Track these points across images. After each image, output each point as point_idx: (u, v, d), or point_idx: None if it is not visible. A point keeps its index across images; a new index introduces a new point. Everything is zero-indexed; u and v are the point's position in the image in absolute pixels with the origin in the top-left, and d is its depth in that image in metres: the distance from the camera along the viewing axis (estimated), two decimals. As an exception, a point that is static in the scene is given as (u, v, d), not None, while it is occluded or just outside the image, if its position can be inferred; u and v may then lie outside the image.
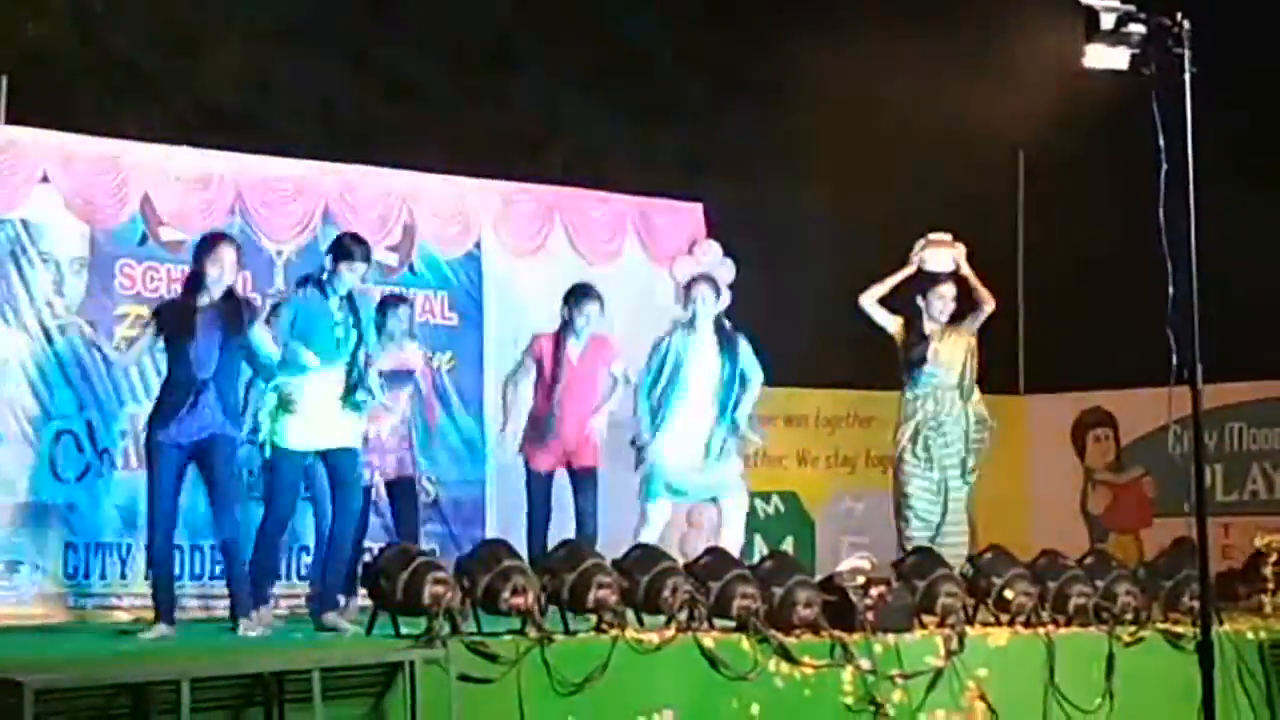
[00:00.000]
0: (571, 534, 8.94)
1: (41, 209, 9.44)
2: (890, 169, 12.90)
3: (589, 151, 11.84)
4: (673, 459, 9.21)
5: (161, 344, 7.96)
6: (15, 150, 9.35)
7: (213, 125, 10.47)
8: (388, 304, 9.28)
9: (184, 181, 9.79)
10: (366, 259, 8.23)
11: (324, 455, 8.14)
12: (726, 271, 11.57)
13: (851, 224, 13.04)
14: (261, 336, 7.95)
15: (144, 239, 9.74)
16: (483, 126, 11.58)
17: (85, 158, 9.55)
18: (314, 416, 8.02)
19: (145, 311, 9.55)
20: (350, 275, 8.09)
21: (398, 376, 9.13)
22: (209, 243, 7.97)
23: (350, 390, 8.07)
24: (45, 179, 9.41)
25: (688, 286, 9.55)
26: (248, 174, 10.02)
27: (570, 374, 9.26)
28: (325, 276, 8.12)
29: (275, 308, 8.32)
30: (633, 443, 9.31)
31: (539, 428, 9.29)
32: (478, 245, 10.81)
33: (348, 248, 8.16)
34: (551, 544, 8.72)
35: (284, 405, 8.03)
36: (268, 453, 8.18)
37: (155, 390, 9.47)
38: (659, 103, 12.40)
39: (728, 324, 9.44)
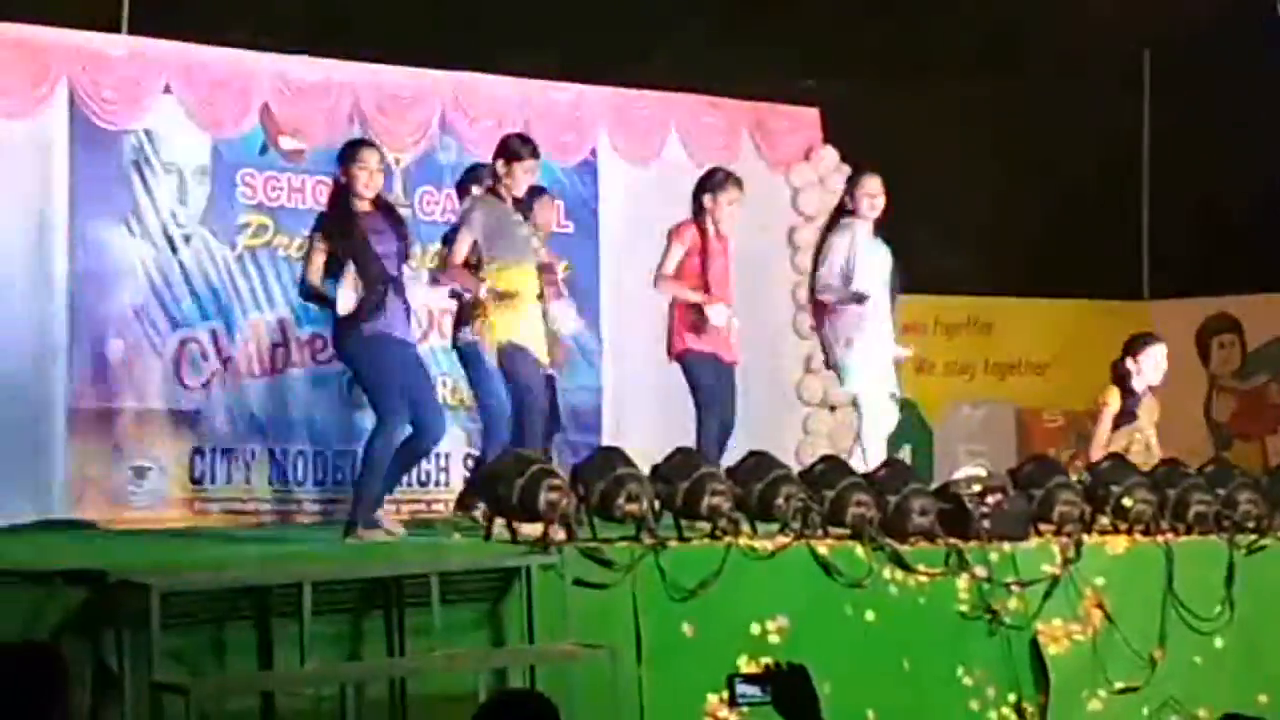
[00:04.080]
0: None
1: (164, 119, 9.55)
2: (1012, 72, 12.70)
3: (703, 52, 11.75)
4: (861, 361, 8.83)
5: (327, 257, 7.77)
6: (138, 61, 9.46)
7: (331, 33, 10.50)
8: (534, 196, 9.17)
9: (303, 91, 9.87)
10: (535, 155, 8.19)
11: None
12: (843, 178, 11.49)
13: (971, 128, 12.87)
14: None
15: (264, 149, 9.83)
16: (598, 29, 11.52)
17: (206, 68, 9.65)
18: (519, 321, 7.99)
19: (268, 220, 9.71)
20: (524, 175, 8.06)
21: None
22: (352, 149, 7.93)
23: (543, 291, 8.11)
24: (168, 89, 9.52)
25: (854, 179, 9.15)
26: (365, 82, 10.07)
27: (718, 262, 8.73)
28: (496, 181, 8.08)
29: (464, 214, 8.23)
30: (824, 348, 8.98)
31: (696, 316, 8.61)
32: (593, 153, 10.81)
33: (515, 149, 8.10)
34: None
35: (503, 302, 7.94)
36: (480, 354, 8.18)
37: (278, 298, 9.69)
38: (775, 4, 12.27)
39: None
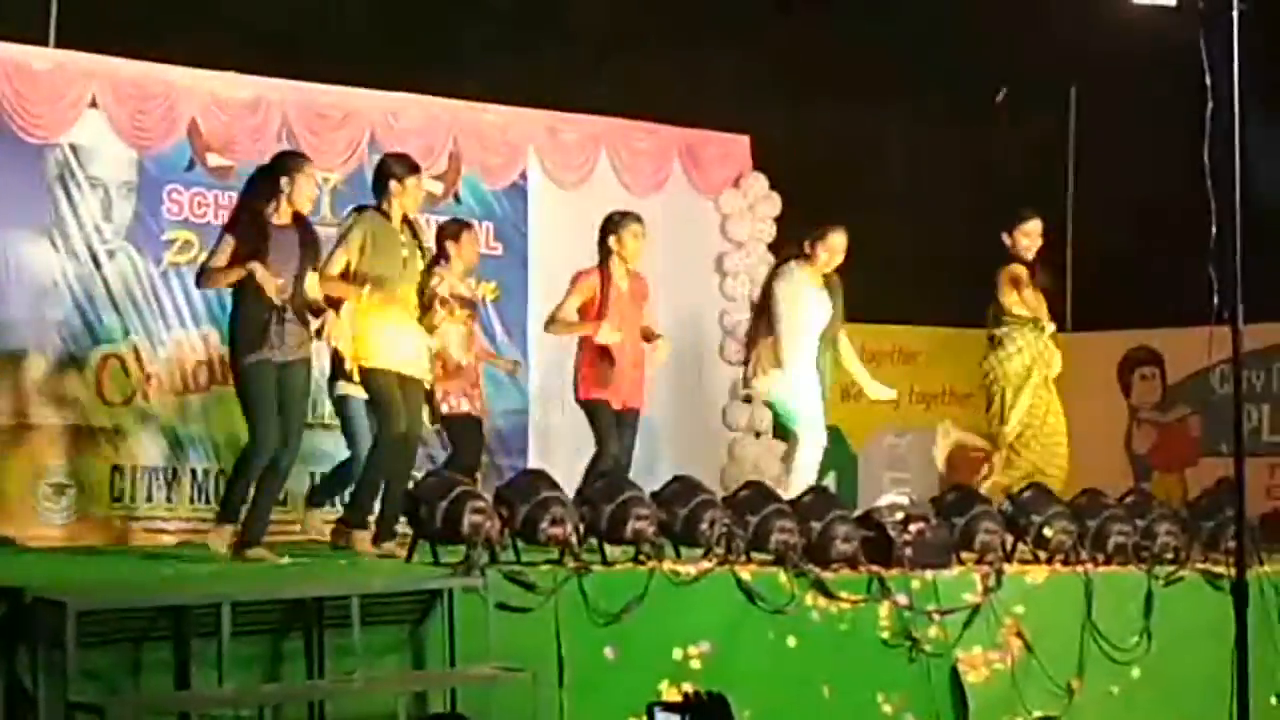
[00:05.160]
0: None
1: (90, 133, 9.49)
2: (939, 105, 12.80)
3: (635, 78, 11.78)
4: (789, 395, 9.05)
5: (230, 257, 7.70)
6: (64, 74, 9.39)
7: (261, 50, 10.45)
8: (461, 229, 9.18)
9: (232, 107, 9.83)
10: (416, 171, 8.21)
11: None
12: (772, 205, 11.56)
13: (897, 159, 12.98)
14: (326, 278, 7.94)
15: (191, 165, 9.79)
16: (530, 52, 11.53)
17: (134, 82, 9.59)
18: (392, 339, 8.03)
19: (193, 237, 9.65)
20: (405, 193, 8.07)
21: (468, 304, 9.09)
22: (297, 160, 7.90)
23: (424, 311, 8.13)
24: (94, 103, 9.46)
25: (820, 231, 9.18)
26: (295, 101, 10.04)
27: (621, 305, 8.90)
28: (380, 200, 8.12)
29: (346, 231, 8.24)
30: (746, 381, 9.18)
31: (599, 362, 8.82)
32: (523, 176, 10.82)
33: (392, 168, 8.16)
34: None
35: (369, 326, 8.01)
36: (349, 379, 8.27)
37: (202, 316, 9.63)
38: (706, 27, 12.33)
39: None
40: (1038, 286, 9.74)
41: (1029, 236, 9.69)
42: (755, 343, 9.19)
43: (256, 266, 7.55)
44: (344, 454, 8.92)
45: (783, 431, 9.29)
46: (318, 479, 9.51)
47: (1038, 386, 9.66)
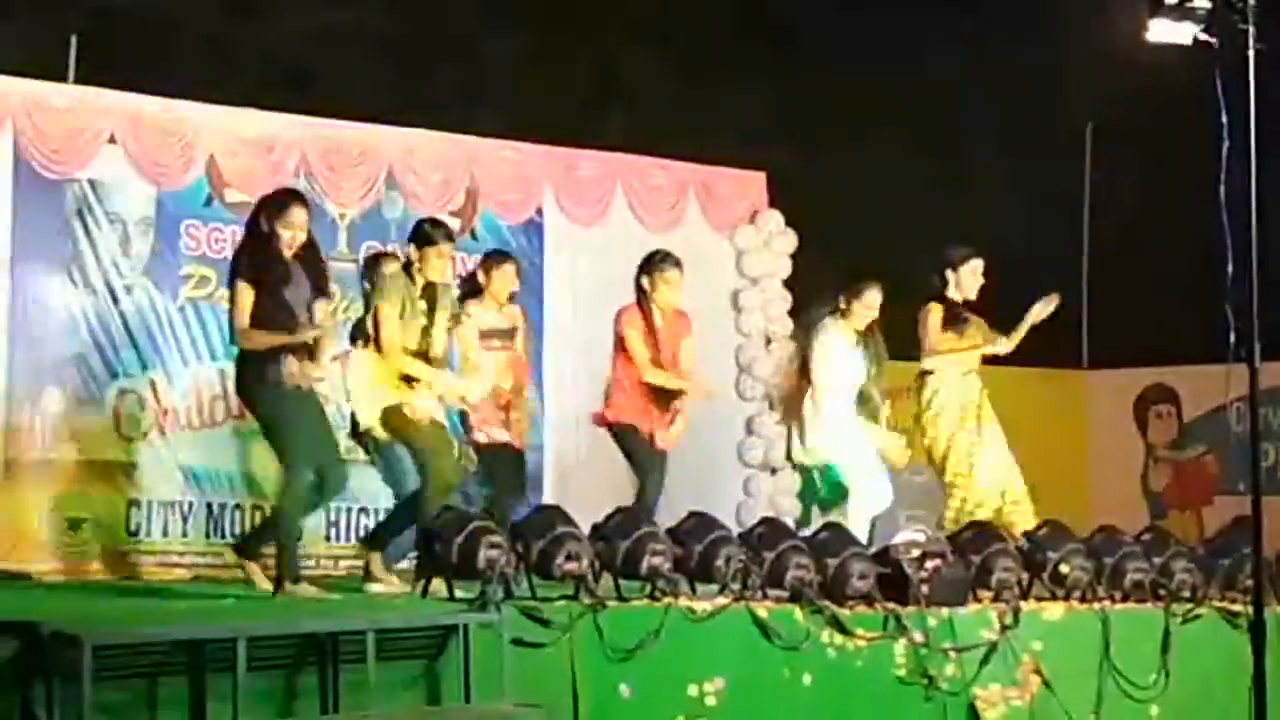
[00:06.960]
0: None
1: (108, 169, 9.53)
2: (955, 143, 12.84)
3: (650, 114, 11.83)
4: (833, 456, 9.08)
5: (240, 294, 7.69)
6: (83, 110, 9.44)
7: (279, 87, 10.52)
8: (492, 260, 9.18)
9: (249, 144, 9.86)
10: (450, 239, 8.25)
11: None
12: (788, 242, 11.57)
13: (911, 193, 12.99)
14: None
15: (209, 201, 9.82)
16: (546, 89, 11.59)
17: (152, 119, 9.63)
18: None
19: (210, 273, 9.68)
20: (438, 260, 8.09)
21: (500, 334, 9.07)
22: (282, 207, 7.78)
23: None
24: (113, 139, 9.50)
25: (855, 287, 9.11)
26: (312, 137, 10.08)
27: (660, 345, 8.90)
28: (408, 263, 8.16)
29: (378, 289, 8.24)
30: (788, 454, 9.15)
31: (639, 397, 8.87)
32: (539, 212, 10.84)
33: (429, 234, 8.15)
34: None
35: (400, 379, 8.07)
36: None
37: (219, 351, 9.63)
38: (721, 65, 12.38)
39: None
40: (963, 323, 9.40)
41: (975, 274, 9.44)
42: (795, 406, 9.13)
43: (291, 360, 7.59)
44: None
45: (829, 500, 9.22)
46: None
47: (961, 424, 9.41)
